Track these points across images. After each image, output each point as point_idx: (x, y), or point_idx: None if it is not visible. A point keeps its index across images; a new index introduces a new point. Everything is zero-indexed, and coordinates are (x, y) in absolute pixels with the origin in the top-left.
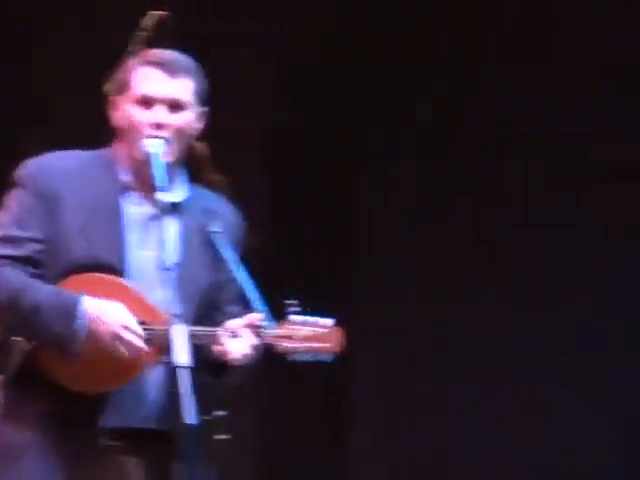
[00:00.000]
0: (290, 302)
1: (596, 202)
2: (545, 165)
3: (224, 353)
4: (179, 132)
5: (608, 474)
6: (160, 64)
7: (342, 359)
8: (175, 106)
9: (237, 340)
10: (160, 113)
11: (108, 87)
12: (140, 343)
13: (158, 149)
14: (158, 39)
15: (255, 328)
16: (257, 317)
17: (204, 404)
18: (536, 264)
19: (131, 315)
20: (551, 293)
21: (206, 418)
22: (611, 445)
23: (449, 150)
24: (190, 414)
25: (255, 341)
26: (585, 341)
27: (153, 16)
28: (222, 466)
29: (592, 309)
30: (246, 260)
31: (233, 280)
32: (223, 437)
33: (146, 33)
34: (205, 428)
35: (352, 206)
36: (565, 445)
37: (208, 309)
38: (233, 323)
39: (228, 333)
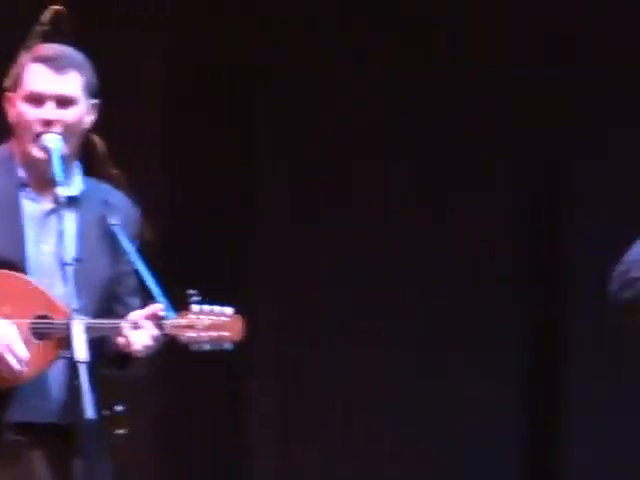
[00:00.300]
0: (191, 292)
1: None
2: None
3: (126, 345)
4: (70, 127)
5: None
6: (47, 60)
7: (241, 350)
8: (64, 102)
9: (139, 331)
10: (49, 110)
11: (7, 83)
12: (18, 367)
13: (56, 144)
14: (54, 34)
15: (157, 319)
16: (158, 308)
17: (103, 399)
18: None
19: (17, 337)
20: None
21: (105, 413)
22: None
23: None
24: (89, 409)
25: (157, 332)
26: None
27: (51, 10)
28: (122, 457)
29: None
30: (145, 252)
31: (133, 272)
32: (122, 431)
33: (43, 28)
34: (104, 423)
35: (250, 202)
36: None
37: (109, 302)
38: (135, 314)
39: (130, 325)
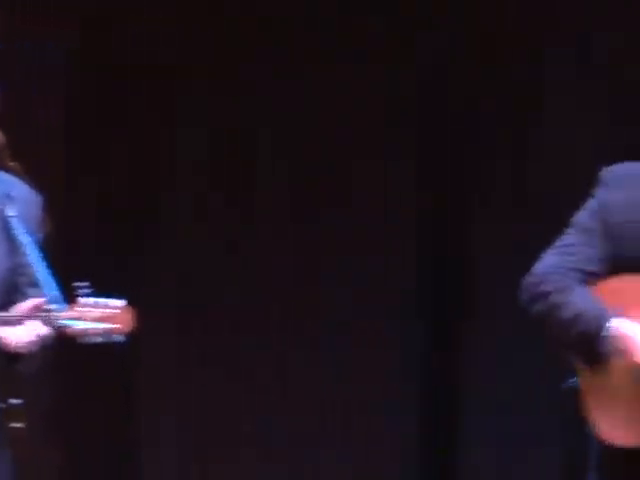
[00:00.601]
0: (80, 284)
1: None
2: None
3: (9, 341)
4: None
5: None
6: None
7: (132, 341)
8: None
9: (18, 327)
10: None
11: None
12: None
13: None
14: None
15: (42, 312)
16: (41, 301)
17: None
18: None
19: None
20: None
21: (1, 406)
22: None
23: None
24: None
25: (41, 326)
26: None
27: None
28: (19, 451)
29: None
30: (45, 244)
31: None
32: (19, 425)
33: None
34: (0, 416)
35: (155, 191)
36: None
37: (9, 294)
38: (16, 309)
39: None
